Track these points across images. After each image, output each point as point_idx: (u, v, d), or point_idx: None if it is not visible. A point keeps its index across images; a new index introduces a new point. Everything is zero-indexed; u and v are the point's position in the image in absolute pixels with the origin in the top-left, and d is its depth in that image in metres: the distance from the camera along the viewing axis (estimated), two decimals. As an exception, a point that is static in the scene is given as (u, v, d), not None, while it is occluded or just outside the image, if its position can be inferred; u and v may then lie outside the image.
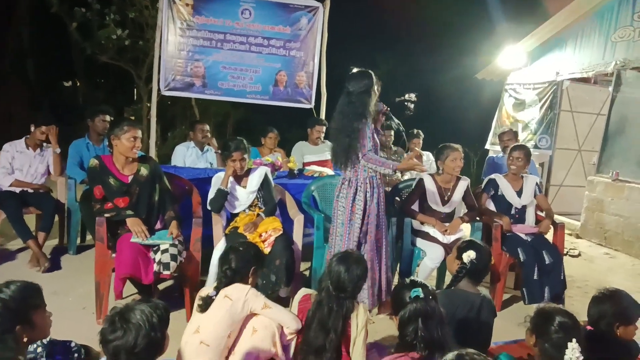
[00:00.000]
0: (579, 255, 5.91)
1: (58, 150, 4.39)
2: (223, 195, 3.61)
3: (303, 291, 2.61)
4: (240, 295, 2.35)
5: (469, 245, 2.60)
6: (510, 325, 3.42)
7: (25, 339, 1.78)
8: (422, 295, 2.02)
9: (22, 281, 1.84)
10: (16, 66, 12.85)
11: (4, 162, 4.26)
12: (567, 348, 1.93)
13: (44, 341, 1.95)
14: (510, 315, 3.80)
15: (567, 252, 5.89)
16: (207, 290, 2.45)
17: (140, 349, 1.63)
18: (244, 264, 2.43)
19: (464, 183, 3.96)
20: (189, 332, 2.37)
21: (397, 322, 2.06)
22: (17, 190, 4.26)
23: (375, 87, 3.31)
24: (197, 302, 2.40)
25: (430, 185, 3.90)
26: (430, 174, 3.98)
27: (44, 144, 4.41)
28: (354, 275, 2.36)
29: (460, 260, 2.57)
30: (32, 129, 4.35)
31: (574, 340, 1.93)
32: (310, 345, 2.35)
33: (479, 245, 2.60)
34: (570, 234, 6.94)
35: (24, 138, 4.38)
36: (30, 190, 4.32)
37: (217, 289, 2.40)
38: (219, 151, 5.19)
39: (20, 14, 12.65)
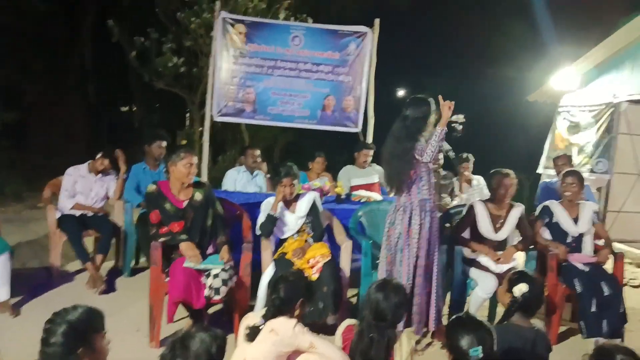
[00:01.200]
0: (641, 286, 5.61)
1: (125, 176, 4.58)
2: (272, 221, 3.66)
3: (347, 322, 2.59)
4: (287, 331, 2.33)
5: (520, 277, 2.53)
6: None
7: None
8: (480, 356, 1.95)
9: (87, 306, 1.93)
10: (78, 87, 13.49)
11: (67, 186, 4.47)
12: (629, 388, 1.84)
13: None
14: (566, 349, 3.66)
15: (628, 282, 5.60)
16: (253, 318, 2.46)
17: None
18: (293, 294, 2.42)
19: (517, 210, 3.85)
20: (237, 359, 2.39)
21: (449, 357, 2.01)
22: (77, 213, 4.46)
23: (433, 116, 3.31)
24: (243, 330, 2.42)
25: (481, 211, 3.81)
26: (482, 200, 3.90)
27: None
28: (393, 302, 2.34)
29: (511, 293, 2.50)
30: (99, 156, 4.53)
31: (636, 380, 1.84)
32: None
33: (530, 278, 2.53)
34: (630, 263, 6.58)
35: (87, 163, 4.58)
36: (89, 214, 4.51)
37: (265, 318, 2.40)
38: (269, 175, 5.29)
39: (84, 36, 13.37)
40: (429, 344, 3.49)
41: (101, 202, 4.64)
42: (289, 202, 3.81)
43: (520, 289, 2.46)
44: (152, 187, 3.39)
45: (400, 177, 3.30)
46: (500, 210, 3.82)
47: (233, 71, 5.99)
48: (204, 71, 8.08)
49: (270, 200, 3.79)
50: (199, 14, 8.35)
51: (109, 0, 11.68)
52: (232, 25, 5.89)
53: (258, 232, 3.73)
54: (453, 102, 3.30)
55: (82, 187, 4.50)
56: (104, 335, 1.95)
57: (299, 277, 2.55)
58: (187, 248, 3.24)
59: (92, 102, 14.30)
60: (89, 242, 4.49)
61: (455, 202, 4.92)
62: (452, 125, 3.55)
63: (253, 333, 2.37)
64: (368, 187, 5.17)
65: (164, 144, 4.82)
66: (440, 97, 3.33)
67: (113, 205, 4.72)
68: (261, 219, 3.73)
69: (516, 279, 2.52)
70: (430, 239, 3.35)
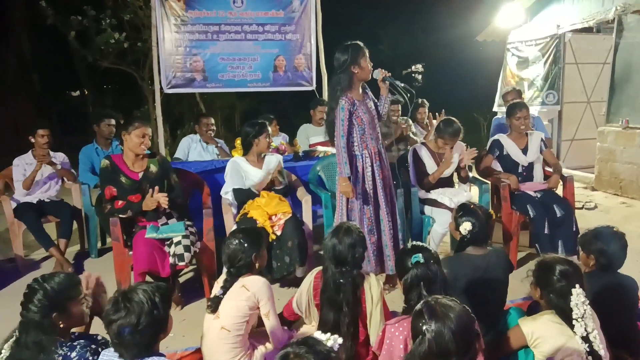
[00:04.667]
0: (596, 207, 5.89)
1: (59, 167, 4.47)
2: (251, 197, 3.71)
3: (316, 269, 2.63)
4: (256, 288, 2.38)
5: (463, 214, 2.61)
6: (526, 282, 3.45)
7: (61, 325, 1.95)
8: (422, 261, 2.06)
9: (65, 272, 2.06)
10: (20, 80, 13.00)
11: (18, 176, 4.37)
12: (571, 295, 1.97)
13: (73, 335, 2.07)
14: (525, 273, 3.83)
15: (584, 205, 5.87)
16: (215, 289, 2.51)
17: (143, 326, 1.69)
18: (243, 256, 2.45)
19: (458, 146, 3.98)
20: (210, 317, 2.45)
21: (402, 287, 2.11)
22: (34, 200, 4.39)
23: (362, 59, 3.29)
24: (207, 304, 2.48)
25: (424, 152, 3.98)
26: (422, 142, 4.04)
27: (51, 154, 4.47)
28: (347, 244, 2.39)
29: (459, 231, 2.60)
30: (32, 139, 4.41)
31: (577, 285, 1.97)
32: (326, 324, 2.39)
33: (473, 212, 2.60)
34: (585, 187, 6.90)
35: (30, 151, 4.46)
36: (46, 200, 4.44)
37: (225, 289, 2.45)
38: (219, 145, 5.27)
39: (17, 28, 12.79)
40: (394, 284, 3.60)
41: (56, 186, 4.57)
42: (258, 160, 3.84)
43: (465, 227, 2.56)
44: (105, 162, 3.35)
45: (331, 132, 3.39)
46: (441, 149, 3.94)
47: (177, 40, 5.84)
48: (148, 44, 7.85)
49: (237, 160, 3.80)
50: (135, -15, 8.05)
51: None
52: (170, -8, 5.72)
53: (223, 193, 3.75)
54: (389, 73, 3.35)
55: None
56: (79, 301, 2.03)
57: (241, 237, 2.51)
58: (148, 202, 3.22)
59: (38, 91, 13.78)
60: (50, 228, 4.43)
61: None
62: (412, 74, 3.58)
63: (215, 304, 2.42)
64: (326, 144, 5.19)
65: (113, 121, 4.75)
66: (380, 70, 3.36)
67: (70, 189, 4.66)
68: (231, 179, 3.74)
69: (460, 217, 2.61)
70: (376, 186, 3.40)
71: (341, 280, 2.39)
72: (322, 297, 2.46)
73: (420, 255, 2.07)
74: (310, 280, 2.59)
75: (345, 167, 3.28)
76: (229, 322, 2.36)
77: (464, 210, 2.63)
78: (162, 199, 3.21)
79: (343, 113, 3.27)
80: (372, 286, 2.46)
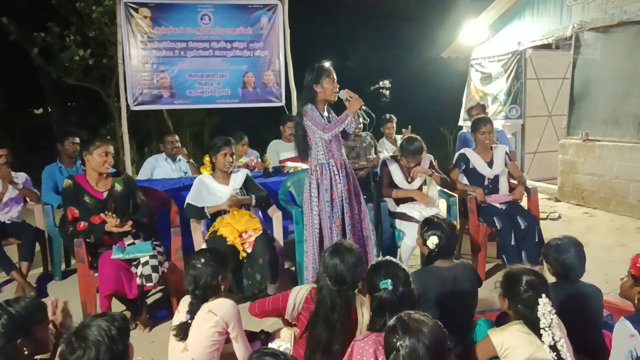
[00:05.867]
0: (559, 217, 6.05)
1: (21, 186, 4.35)
2: (201, 216, 3.67)
3: (308, 286, 2.55)
4: (223, 312, 2.31)
5: (429, 229, 2.64)
6: (495, 293, 3.49)
7: (26, 352, 1.85)
8: (390, 287, 2.05)
9: (30, 297, 1.97)
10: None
11: (-22, 197, 4.23)
12: (538, 304, 2.01)
13: None
14: (494, 284, 3.89)
15: (548, 216, 6.02)
16: (180, 316, 2.42)
17: None
18: (209, 277, 2.38)
19: (426, 160, 4.05)
20: (177, 349, 2.35)
21: (369, 301, 2.11)
22: (-6, 222, 4.24)
23: (324, 80, 3.37)
24: (172, 331, 2.39)
25: (393, 166, 4.03)
26: (392, 156, 4.10)
27: (12, 173, 4.33)
28: (350, 263, 2.33)
29: (426, 246, 2.63)
30: None
31: (543, 295, 2.01)
32: (318, 342, 2.31)
33: (438, 225, 2.64)
34: (549, 198, 7.08)
35: None
36: (7, 222, 4.30)
37: (192, 312, 2.36)
38: (191, 160, 5.22)
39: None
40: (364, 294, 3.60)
41: (17, 207, 4.43)
42: (224, 177, 3.81)
43: (432, 242, 2.59)
44: (67, 182, 3.27)
45: (302, 147, 3.45)
46: (410, 163, 4.00)
47: (143, 57, 5.79)
48: (114, 61, 7.75)
49: (203, 178, 3.76)
50: (100, 1, 7.97)
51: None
52: (136, 10, 5.68)
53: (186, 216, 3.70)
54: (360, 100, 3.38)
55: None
56: (45, 326, 1.95)
57: (206, 258, 2.45)
58: (110, 226, 3.15)
59: (1, 108, 13.41)
60: (12, 251, 4.28)
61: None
62: (380, 90, 3.62)
63: (183, 330, 2.34)
64: (296, 159, 5.17)
65: (77, 139, 4.64)
66: (346, 90, 3.42)
67: (32, 209, 4.52)
68: (192, 195, 3.70)
69: (426, 231, 2.65)
70: (334, 200, 3.40)
71: (337, 300, 2.32)
72: (315, 315, 2.36)
73: (389, 282, 2.05)
74: (301, 297, 2.49)
75: (342, 115, 3.37)
76: (199, 353, 2.28)
77: (429, 225, 2.67)
78: (126, 227, 3.15)
79: (313, 112, 3.36)
80: (365, 303, 2.40)
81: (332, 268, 2.32)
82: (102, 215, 3.15)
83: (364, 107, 3.43)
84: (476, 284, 2.68)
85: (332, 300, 2.31)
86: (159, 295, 3.97)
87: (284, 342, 1.61)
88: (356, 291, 2.48)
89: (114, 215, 3.16)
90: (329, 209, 3.38)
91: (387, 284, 2.05)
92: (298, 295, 2.51)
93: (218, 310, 2.31)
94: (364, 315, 2.39)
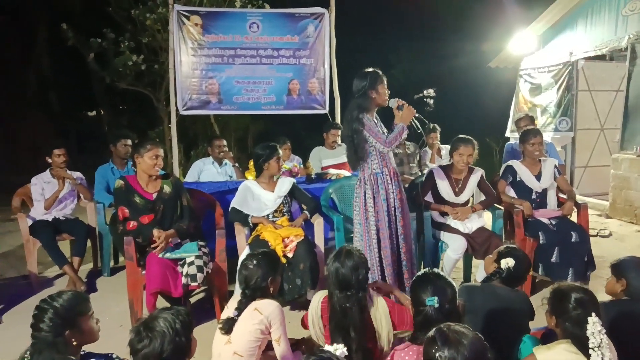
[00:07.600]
0: (610, 235, 5.82)
1: (79, 181, 4.57)
2: (245, 223, 3.73)
3: (321, 293, 2.59)
4: (269, 312, 2.35)
5: (510, 252, 2.59)
6: (541, 310, 3.39)
7: (74, 343, 1.95)
8: (437, 305, 2.01)
9: (72, 290, 2.08)
10: (39, 99, 13.24)
11: (36, 195, 4.45)
12: (587, 323, 1.94)
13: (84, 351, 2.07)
14: (539, 300, 3.78)
15: (598, 232, 5.81)
16: (228, 312, 2.48)
17: (167, 354, 1.72)
18: (259, 279, 2.43)
19: (477, 174, 3.99)
20: (221, 342, 2.41)
21: (413, 315, 2.09)
22: (50, 218, 4.44)
23: (379, 85, 3.33)
24: (218, 325, 2.44)
25: (440, 176, 3.95)
26: (440, 166, 4.02)
27: (68, 172, 4.54)
28: (350, 267, 2.36)
29: (497, 264, 2.57)
30: (49, 159, 4.50)
31: (593, 314, 1.94)
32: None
33: (519, 254, 2.59)
34: (600, 215, 6.83)
35: (48, 169, 4.55)
36: (62, 218, 4.50)
37: (239, 310, 2.41)
38: (237, 165, 5.32)
39: (39, 48, 13.10)
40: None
41: (72, 205, 4.63)
42: (269, 183, 3.87)
43: (507, 262, 2.53)
44: (119, 183, 3.40)
45: (356, 155, 3.36)
46: (460, 174, 3.94)
47: (193, 63, 5.98)
48: (165, 67, 8.02)
49: (248, 184, 3.83)
50: (153, 9, 8.25)
51: (60, 7, 11.41)
52: (187, 17, 5.87)
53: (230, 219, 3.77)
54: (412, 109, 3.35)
55: (50, 193, 4.47)
56: (90, 316, 2.04)
57: (259, 259, 2.50)
58: (156, 233, 3.26)
59: (56, 112, 14.03)
60: (64, 246, 4.47)
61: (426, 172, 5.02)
62: (424, 99, 3.60)
63: (228, 325, 2.39)
64: (338, 166, 5.22)
65: (129, 142, 4.83)
66: (397, 99, 3.37)
67: (85, 207, 4.71)
68: (237, 200, 3.77)
69: (506, 253, 2.59)
70: (390, 209, 3.37)
71: (347, 304, 2.36)
72: (331, 324, 2.42)
73: (435, 299, 2.02)
74: (316, 307, 2.54)
75: (398, 126, 3.30)
76: (241, 347, 2.33)
77: (512, 250, 2.62)
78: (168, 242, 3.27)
79: (371, 122, 3.29)
80: (380, 308, 2.43)
81: (334, 273, 2.38)
82: (154, 231, 3.26)
83: (416, 115, 3.41)
84: (528, 314, 2.58)
85: (342, 305, 2.36)
86: (201, 295, 4.06)
87: (340, 345, 1.62)
88: (374, 295, 2.49)
89: (160, 230, 3.27)
90: (386, 218, 3.35)
91: (433, 301, 2.02)
92: (312, 307, 2.57)
93: (264, 310, 2.36)
94: (380, 320, 2.40)
